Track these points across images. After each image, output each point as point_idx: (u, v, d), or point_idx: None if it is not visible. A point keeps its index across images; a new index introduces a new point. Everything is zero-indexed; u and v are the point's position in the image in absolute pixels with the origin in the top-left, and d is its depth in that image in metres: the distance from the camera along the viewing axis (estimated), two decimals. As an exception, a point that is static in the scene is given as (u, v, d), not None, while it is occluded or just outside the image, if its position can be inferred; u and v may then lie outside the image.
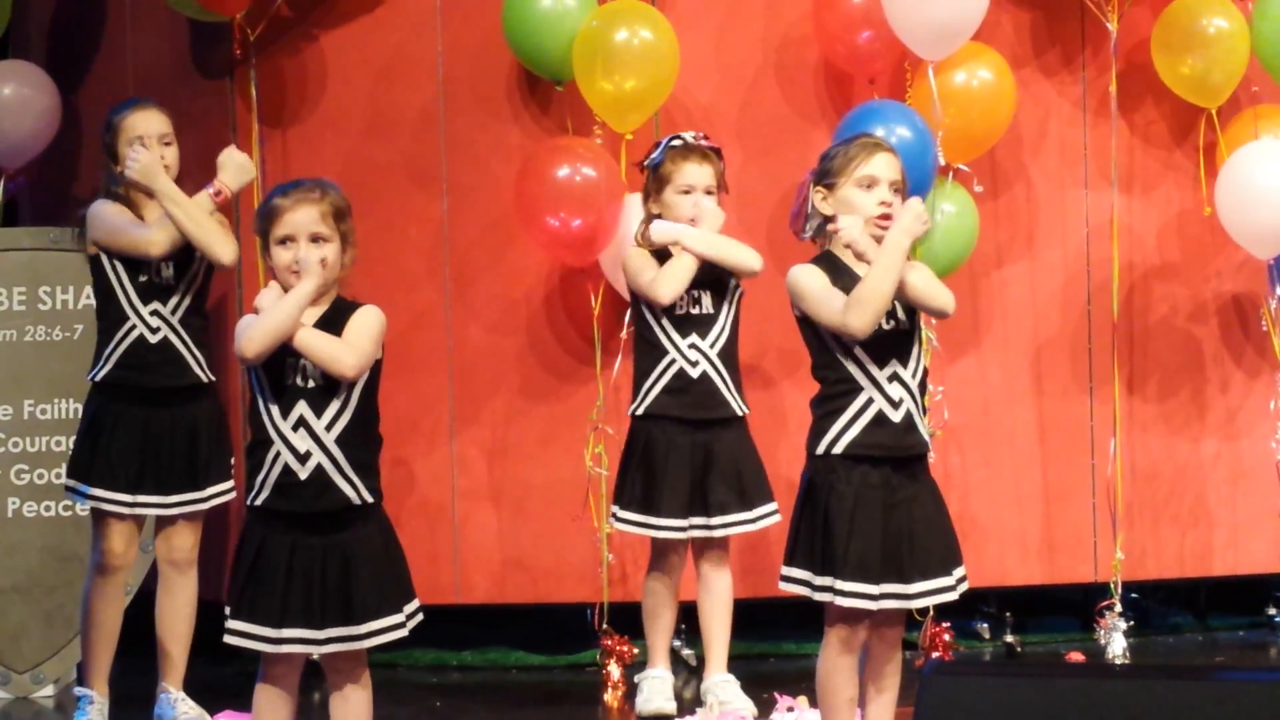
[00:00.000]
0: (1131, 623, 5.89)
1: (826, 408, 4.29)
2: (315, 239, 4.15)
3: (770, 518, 5.24)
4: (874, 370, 4.23)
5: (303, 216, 4.15)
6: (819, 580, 4.25)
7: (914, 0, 5.53)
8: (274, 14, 5.98)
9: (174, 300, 5.19)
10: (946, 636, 5.72)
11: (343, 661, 4.20)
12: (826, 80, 5.93)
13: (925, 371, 4.35)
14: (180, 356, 5.18)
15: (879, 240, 4.24)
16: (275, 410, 4.14)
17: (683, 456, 5.16)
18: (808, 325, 4.30)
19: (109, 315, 5.19)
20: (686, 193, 5.22)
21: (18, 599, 5.81)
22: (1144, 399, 6.06)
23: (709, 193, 5.24)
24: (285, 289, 4.17)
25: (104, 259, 5.18)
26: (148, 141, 5.19)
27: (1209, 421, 6.10)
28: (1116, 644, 5.82)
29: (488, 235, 5.99)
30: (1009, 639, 5.99)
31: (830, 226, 4.31)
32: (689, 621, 5.60)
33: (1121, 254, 5.97)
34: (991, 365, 6.02)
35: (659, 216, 5.26)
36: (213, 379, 5.28)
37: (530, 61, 5.78)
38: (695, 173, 5.22)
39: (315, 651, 4.16)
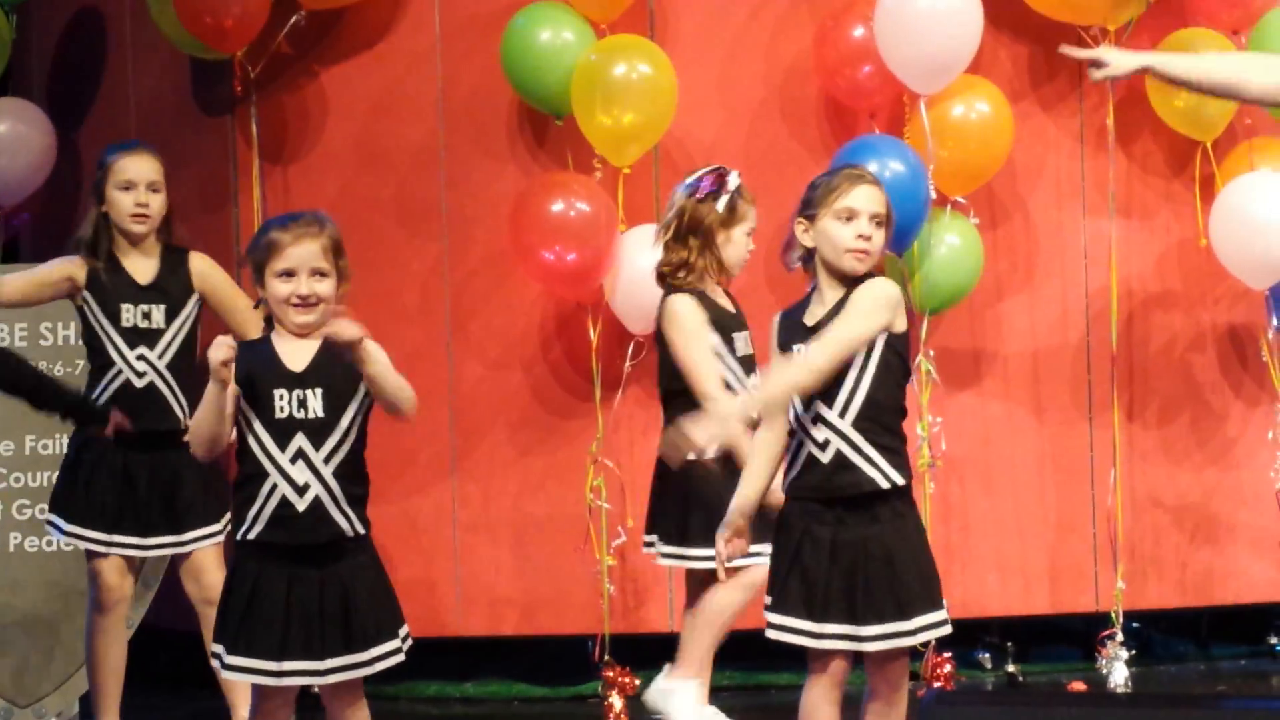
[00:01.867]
0: (1133, 652, 5.88)
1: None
2: (316, 273, 4.16)
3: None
4: (800, 412, 4.20)
5: (305, 251, 4.16)
6: (771, 617, 4.23)
7: (906, 35, 5.56)
8: (274, 51, 6.01)
9: (162, 344, 5.18)
10: (948, 666, 5.72)
11: (345, 691, 4.20)
12: (828, 115, 5.95)
13: (878, 406, 4.17)
14: (165, 403, 5.17)
15: (849, 272, 4.19)
16: (270, 442, 4.14)
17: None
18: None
19: (96, 359, 5.19)
20: (751, 233, 5.02)
21: (20, 633, 5.81)
22: (1144, 428, 6.07)
23: (749, 233, 5.02)
24: (278, 320, 4.19)
25: (83, 305, 5.17)
26: (136, 187, 5.17)
27: (1209, 451, 6.11)
28: (1118, 673, 5.82)
29: (486, 270, 6.00)
30: (1010, 669, 5.99)
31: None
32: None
33: (1120, 285, 5.99)
34: (991, 396, 6.03)
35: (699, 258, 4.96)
36: None
37: (529, 96, 5.80)
38: (752, 214, 5.01)
39: (318, 683, 4.17)
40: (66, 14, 6.75)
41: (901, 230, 5.54)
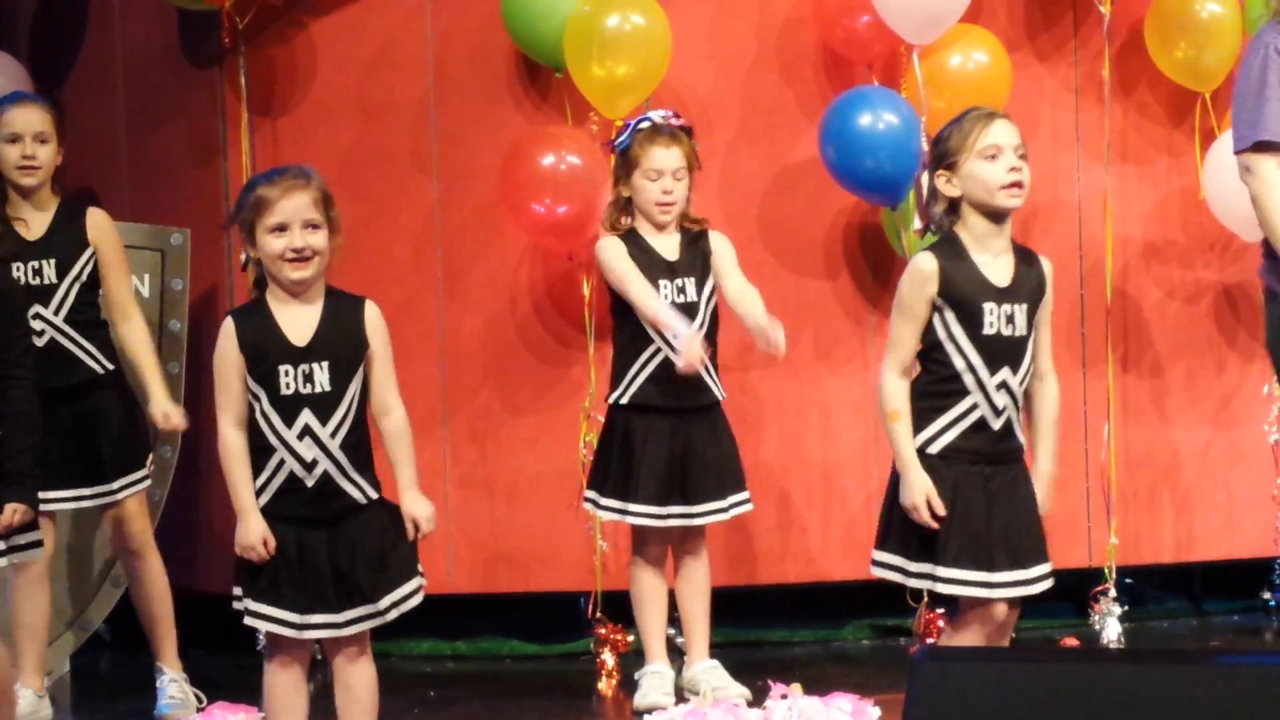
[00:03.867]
0: (1126, 608, 5.88)
1: (929, 402, 4.25)
2: (309, 225, 4.11)
3: (742, 506, 5.22)
4: (984, 375, 4.20)
5: (296, 203, 4.11)
6: (914, 567, 4.24)
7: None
8: (263, 2, 5.95)
9: (56, 299, 5.10)
10: (940, 623, 5.71)
11: (350, 643, 4.20)
12: (824, 65, 5.90)
13: (1039, 379, 4.31)
14: (70, 355, 5.11)
15: (1007, 209, 4.21)
16: (276, 418, 4.11)
17: (662, 445, 5.13)
18: (938, 314, 4.24)
19: None
20: (655, 178, 5.15)
21: (2, 593, 5.77)
22: (1138, 382, 6.04)
23: (677, 177, 5.15)
24: (274, 277, 4.14)
25: None
26: (22, 139, 5.09)
27: (1203, 405, 6.09)
28: (1111, 629, 5.81)
29: (478, 224, 5.97)
30: (1003, 624, 5.97)
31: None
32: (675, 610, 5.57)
33: (1115, 237, 5.96)
34: (985, 350, 6.00)
35: (629, 200, 5.20)
36: (111, 367, 5.17)
37: (528, 47, 5.75)
38: (663, 156, 5.14)
39: (338, 634, 4.16)
40: (51, -35, 6.70)
41: (895, 181, 5.52)
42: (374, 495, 4.18)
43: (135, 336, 5.17)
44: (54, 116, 5.17)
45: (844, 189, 5.68)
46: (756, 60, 5.92)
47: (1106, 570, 5.88)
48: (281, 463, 4.12)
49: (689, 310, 5.15)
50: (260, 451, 4.13)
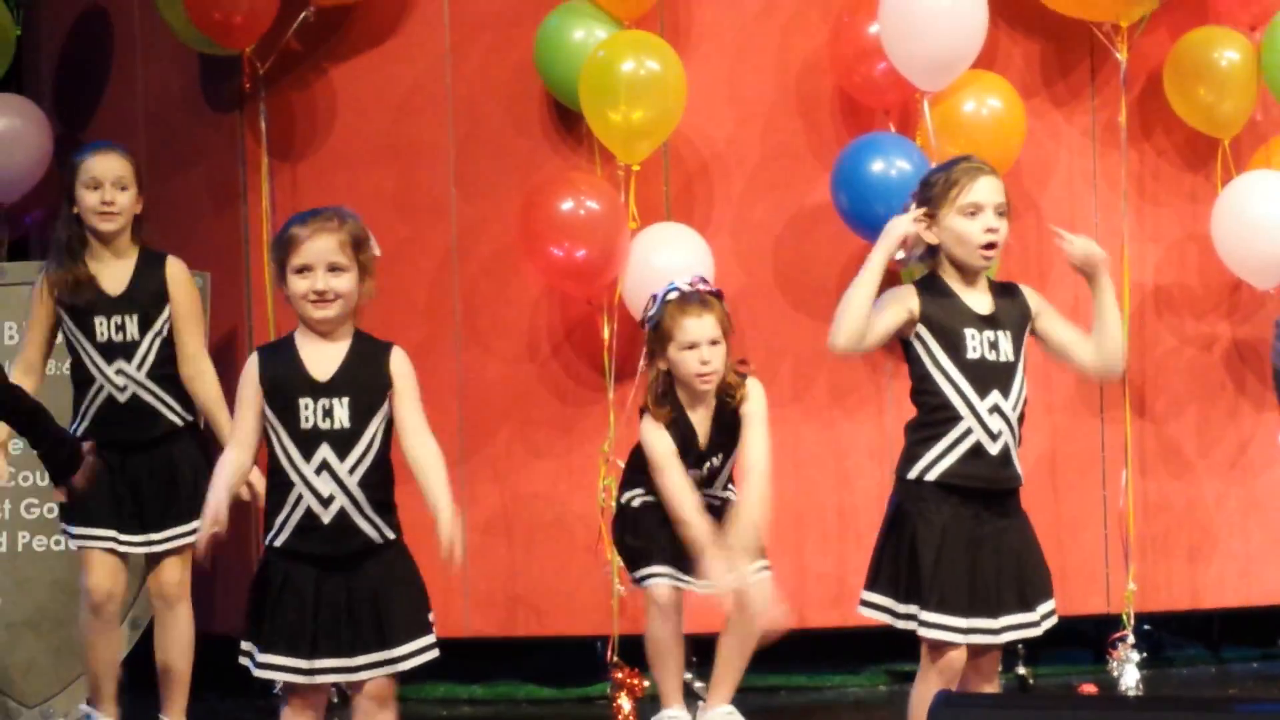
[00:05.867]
0: (1144, 655, 5.86)
1: (922, 433, 4.25)
2: (333, 268, 4.12)
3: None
4: (975, 400, 4.20)
5: (321, 245, 4.12)
6: (901, 608, 4.23)
7: (910, 31, 5.54)
8: (283, 47, 5.99)
9: (139, 355, 5.13)
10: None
11: (376, 691, 4.16)
12: (842, 112, 5.92)
13: (1025, 403, 4.31)
14: (151, 410, 5.14)
15: (978, 269, 4.25)
16: (296, 453, 4.11)
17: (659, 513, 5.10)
18: (909, 347, 4.26)
19: (78, 374, 5.17)
20: (691, 348, 4.98)
21: (28, 633, 5.80)
22: (1155, 429, 6.04)
23: (714, 343, 4.99)
24: (300, 317, 4.16)
25: (61, 319, 5.14)
26: (102, 185, 5.12)
27: (1220, 452, 6.08)
28: (1129, 676, 5.79)
29: (497, 267, 5.98)
30: (1021, 671, 5.96)
31: None
32: (699, 654, 5.57)
33: (1132, 284, 5.96)
34: (1002, 396, 6.00)
35: (667, 373, 5.03)
36: (190, 419, 5.21)
37: (561, 93, 5.78)
38: (696, 327, 4.96)
39: (350, 679, 4.14)
40: (74, 10, 6.74)
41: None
42: (392, 536, 4.17)
43: (208, 390, 5.18)
44: (133, 164, 5.21)
45: (856, 234, 5.70)
46: (774, 106, 5.94)
47: (1125, 617, 5.86)
48: (300, 498, 4.11)
49: (713, 476, 5.09)
50: (279, 487, 4.13)
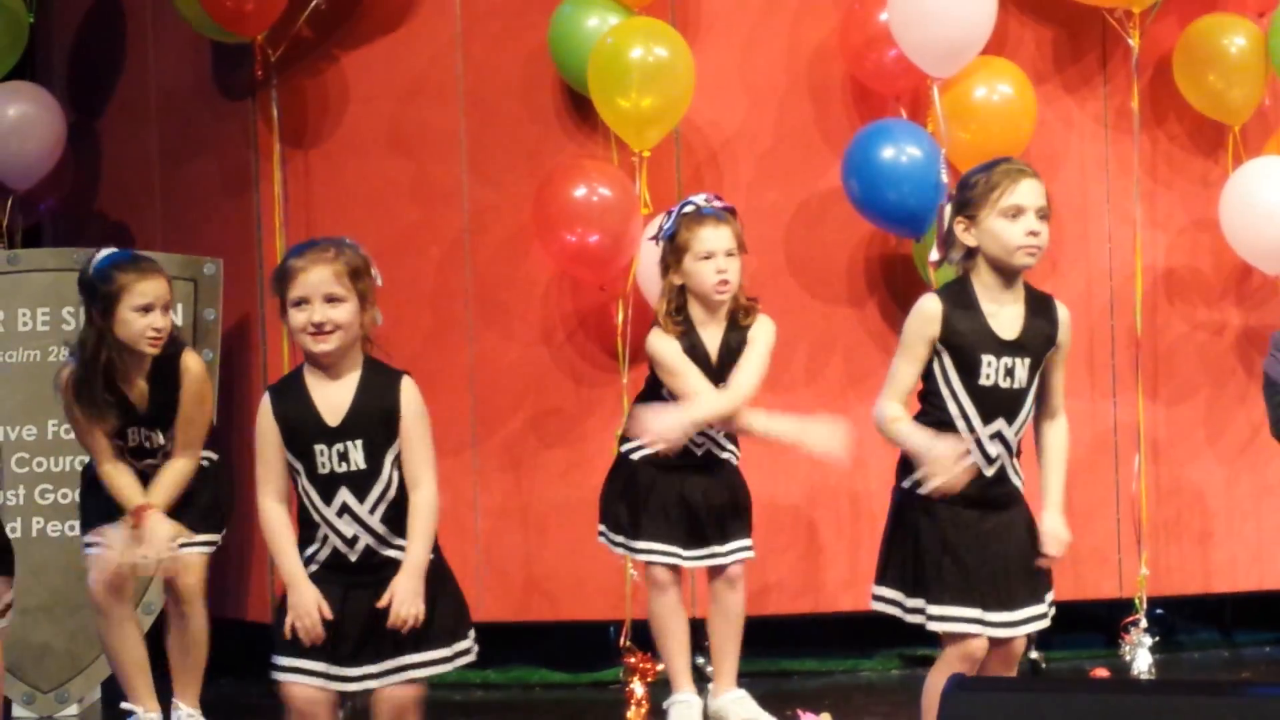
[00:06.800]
0: (1156, 639, 5.86)
1: None
2: (330, 299, 4.08)
3: (741, 553, 5.18)
4: (977, 424, 4.18)
5: (316, 277, 4.08)
6: (910, 601, 4.22)
7: (920, 18, 5.54)
8: (295, 35, 6.00)
9: (163, 455, 5.13)
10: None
11: (399, 699, 4.15)
12: (854, 99, 5.92)
13: (1048, 418, 4.31)
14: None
15: (1020, 268, 4.19)
16: (316, 496, 4.12)
17: (663, 489, 5.12)
18: (936, 359, 4.22)
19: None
20: (707, 258, 5.04)
21: (43, 618, 5.82)
22: (1167, 414, 6.04)
23: (730, 255, 5.05)
24: (302, 350, 4.16)
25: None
26: (154, 309, 5.04)
27: (1232, 436, 6.08)
28: (1141, 660, 5.79)
29: (509, 255, 5.99)
30: (1033, 655, 5.96)
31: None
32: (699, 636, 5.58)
33: (1144, 269, 5.95)
34: (1014, 381, 6.00)
35: (682, 287, 5.10)
36: (214, 458, 5.23)
37: (575, 81, 5.78)
38: (712, 236, 5.03)
39: (371, 685, 4.12)
40: (87, -1, 6.76)
41: (918, 214, 5.54)
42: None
43: None
44: (169, 281, 5.14)
45: (867, 221, 5.70)
46: (785, 93, 5.94)
47: (1137, 601, 5.87)
48: (326, 537, 4.12)
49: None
50: (307, 524, 4.14)
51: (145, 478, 5.11)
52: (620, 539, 5.20)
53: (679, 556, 5.14)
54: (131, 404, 5.08)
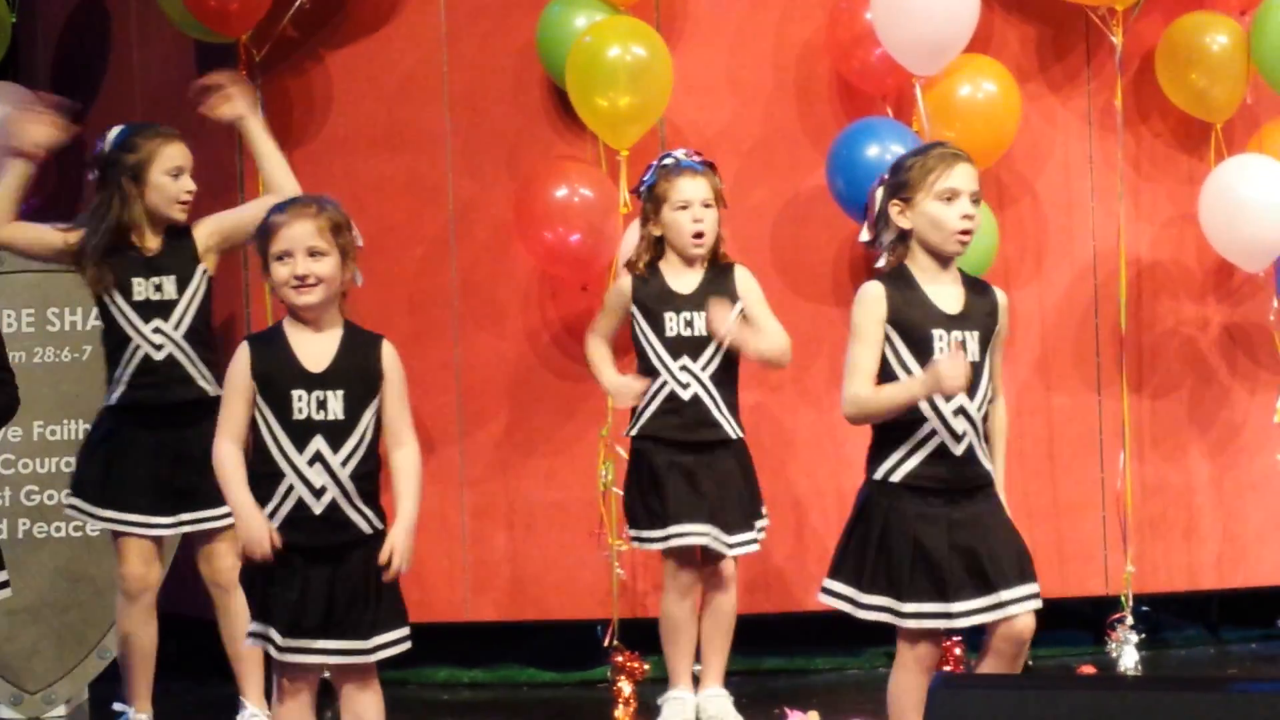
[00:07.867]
0: (1143, 635, 5.88)
1: (886, 434, 4.23)
2: (313, 253, 4.14)
3: (748, 546, 5.20)
4: (940, 402, 4.16)
5: (299, 231, 4.14)
6: (866, 599, 4.21)
7: (902, 16, 5.54)
8: (279, 35, 5.99)
9: (175, 316, 5.17)
10: (957, 650, 5.71)
11: (356, 673, 4.20)
12: (840, 97, 5.93)
13: (990, 400, 4.29)
14: (184, 372, 5.15)
15: (952, 254, 4.21)
16: (288, 443, 4.13)
17: (681, 473, 5.13)
18: (887, 343, 4.23)
19: (112, 340, 5.18)
20: (684, 208, 5.13)
21: (29, 620, 5.81)
22: (1152, 411, 6.05)
23: (706, 205, 5.15)
24: (286, 306, 4.18)
25: (101, 292, 5.15)
26: (184, 173, 5.18)
27: (1217, 433, 6.09)
28: (1128, 657, 5.81)
29: (494, 254, 5.99)
30: (1020, 652, 5.98)
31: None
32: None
33: (1128, 267, 5.97)
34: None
35: (660, 239, 5.19)
36: (217, 394, 5.25)
37: (562, 79, 5.78)
38: (690, 186, 5.13)
39: (333, 662, 4.16)
40: (70, -1, 6.75)
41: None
42: (380, 527, 4.19)
43: None
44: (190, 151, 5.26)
45: (852, 219, 5.71)
46: (771, 92, 5.95)
47: (1123, 598, 5.88)
48: (290, 489, 4.12)
49: (697, 344, 5.14)
50: (269, 478, 4.14)
51: (154, 351, 5.08)
52: (650, 534, 5.16)
53: (717, 539, 5.11)
54: (138, 256, 5.12)
